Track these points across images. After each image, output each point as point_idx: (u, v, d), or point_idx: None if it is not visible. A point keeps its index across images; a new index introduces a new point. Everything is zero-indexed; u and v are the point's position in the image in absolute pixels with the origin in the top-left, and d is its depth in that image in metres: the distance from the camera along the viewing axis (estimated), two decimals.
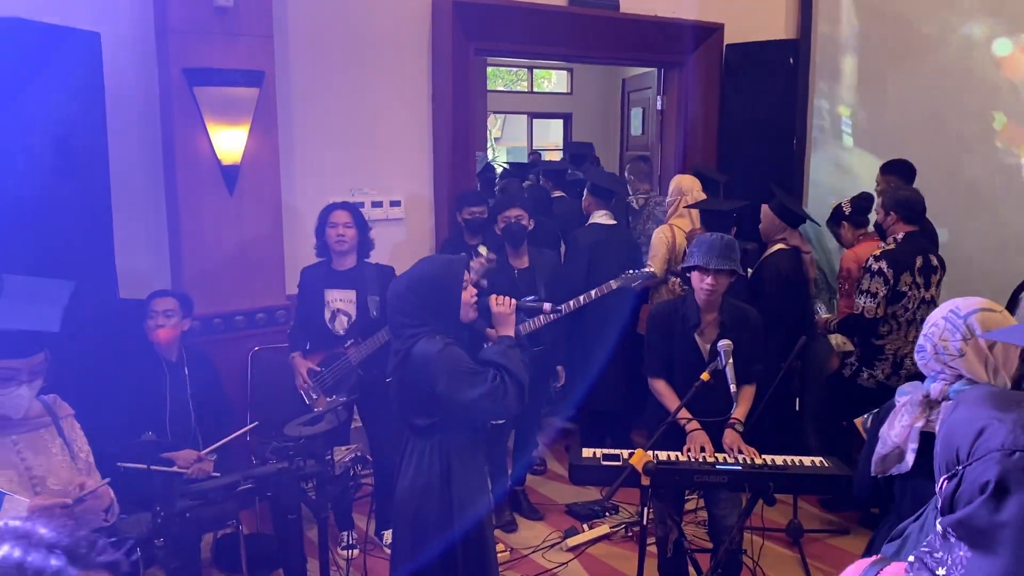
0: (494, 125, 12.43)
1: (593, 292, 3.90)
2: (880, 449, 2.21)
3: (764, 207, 4.51)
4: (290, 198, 4.61)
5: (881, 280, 3.88)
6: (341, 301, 3.98)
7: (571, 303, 3.82)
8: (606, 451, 3.09)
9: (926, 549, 1.22)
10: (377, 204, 4.99)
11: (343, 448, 3.35)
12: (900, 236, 4.00)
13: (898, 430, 2.18)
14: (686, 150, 6.15)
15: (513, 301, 2.71)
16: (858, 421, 2.78)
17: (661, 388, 3.27)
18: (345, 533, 4.10)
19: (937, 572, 1.17)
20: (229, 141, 4.20)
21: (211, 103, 4.12)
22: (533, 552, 4.09)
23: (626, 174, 6.03)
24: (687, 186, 4.88)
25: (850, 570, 1.35)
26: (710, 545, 3.58)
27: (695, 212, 4.69)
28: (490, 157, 10.35)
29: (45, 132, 3.45)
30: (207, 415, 3.73)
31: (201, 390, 3.73)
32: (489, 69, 9.68)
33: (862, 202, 4.48)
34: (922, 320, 3.64)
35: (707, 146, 6.14)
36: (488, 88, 8.97)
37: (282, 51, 4.51)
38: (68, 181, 3.57)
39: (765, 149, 5.88)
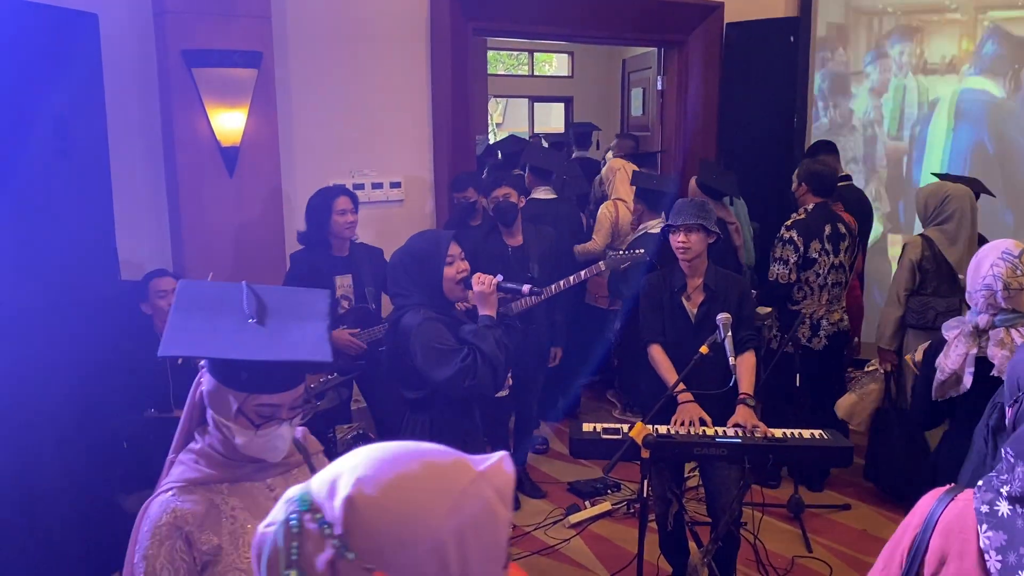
0: (495, 110, 12.39)
1: (583, 273, 3.90)
2: (939, 376, 2.64)
3: (692, 180, 4.89)
4: (290, 179, 4.61)
5: (792, 248, 4.17)
6: (343, 287, 4.00)
7: (553, 287, 3.80)
8: (606, 425, 3.10)
9: (993, 474, 1.42)
10: (377, 186, 4.99)
11: (345, 426, 3.38)
12: (810, 207, 4.28)
13: (954, 358, 2.62)
14: (686, 129, 6.14)
15: (495, 280, 2.68)
16: (908, 357, 3.29)
17: (658, 356, 3.27)
18: None
19: (1001, 490, 1.38)
20: (228, 122, 4.20)
21: (210, 84, 4.12)
22: (535, 529, 4.11)
23: (611, 151, 6.14)
24: (618, 165, 5.32)
25: (926, 499, 1.53)
26: (710, 519, 3.60)
27: None
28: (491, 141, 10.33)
29: (44, 114, 3.44)
30: None
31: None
32: (490, 53, 9.64)
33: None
34: (833, 284, 4.20)
35: (707, 125, 6.12)
36: (489, 72, 8.94)
37: (280, 32, 4.50)
38: (68, 163, 3.58)
39: (766, 127, 5.87)
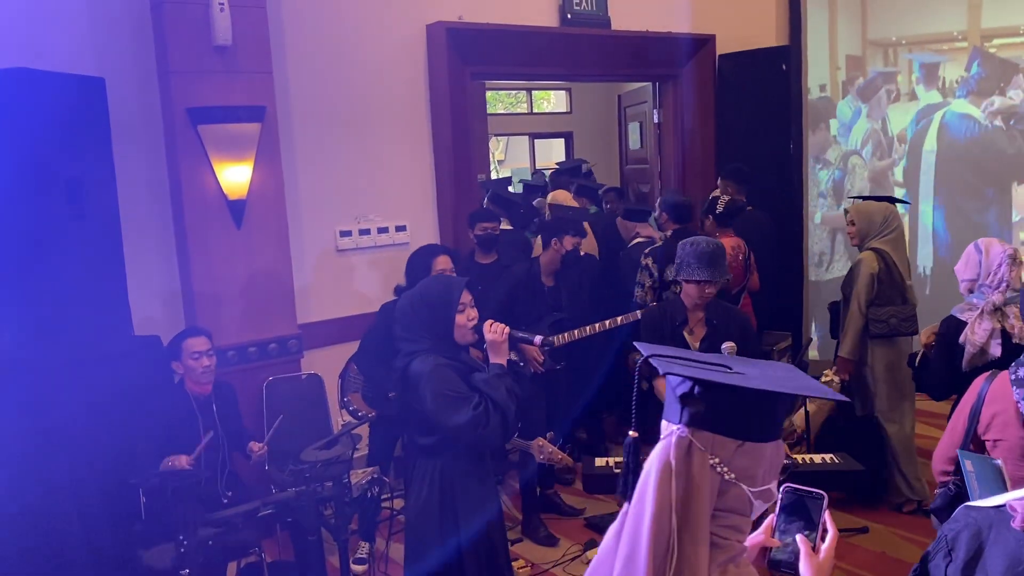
0: (497, 148, 12.52)
1: (596, 326, 4.14)
2: (970, 349, 3.17)
3: (618, 218, 5.43)
4: (297, 229, 4.69)
5: (647, 273, 4.62)
6: None
7: (566, 336, 3.91)
8: (618, 459, 3.12)
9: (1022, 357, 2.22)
10: (383, 230, 5.06)
11: (360, 471, 3.40)
12: (669, 233, 4.77)
13: (980, 334, 3.15)
14: (684, 161, 6.22)
15: (506, 328, 2.67)
16: (921, 337, 3.70)
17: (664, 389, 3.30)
18: (365, 544, 4.12)
19: None
20: (234, 176, 4.29)
21: (215, 140, 4.21)
22: (554, 566, 4.10)
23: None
24: (562, 198, 5.70)
25: (977, 381, 2.44)
26: None
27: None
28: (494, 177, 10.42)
29: (55, 178, 3.52)
30: (231, 443, 3.78)
31: (227, 421, 3.79)
32: (489, 93, 9.77)
33: (733, 205, 4.89)
34: None
35: (705, 155, 6.21)
36: (489, 112, 9.05)
37: (282, 85, 4.60)
38: (80, 224, 3.64)
39: (762, 154, 5.94)
